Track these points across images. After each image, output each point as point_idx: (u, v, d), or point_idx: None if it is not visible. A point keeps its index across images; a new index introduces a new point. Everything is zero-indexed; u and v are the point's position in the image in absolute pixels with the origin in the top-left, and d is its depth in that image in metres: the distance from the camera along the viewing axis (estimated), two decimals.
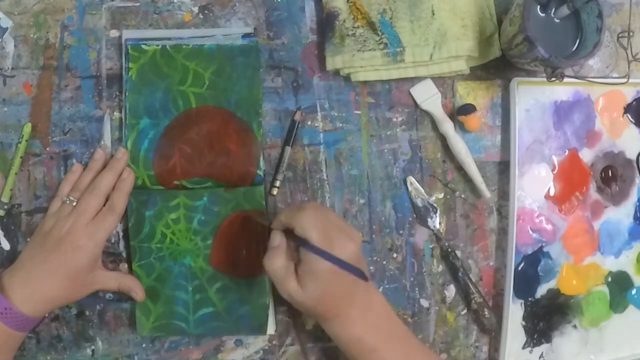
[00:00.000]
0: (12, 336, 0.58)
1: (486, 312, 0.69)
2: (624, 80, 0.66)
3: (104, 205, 0.64)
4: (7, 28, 0.66)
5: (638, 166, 0.73)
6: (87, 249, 0.61)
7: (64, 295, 0.61)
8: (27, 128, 0.66)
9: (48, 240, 0.61)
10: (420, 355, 0.61)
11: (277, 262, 0.58)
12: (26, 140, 0.66)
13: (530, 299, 0.70)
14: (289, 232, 0.59)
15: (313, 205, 0.59)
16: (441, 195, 0.70)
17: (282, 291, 0.58)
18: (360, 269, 0.58)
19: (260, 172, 0.66)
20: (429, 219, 0.70)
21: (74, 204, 0.63)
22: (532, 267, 0.70)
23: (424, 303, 0.70)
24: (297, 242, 0.58)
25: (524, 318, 0.70)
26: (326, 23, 0.68)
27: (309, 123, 0.69)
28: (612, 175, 0.72)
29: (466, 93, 0.70)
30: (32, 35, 0.67)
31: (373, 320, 0.60)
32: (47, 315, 0.65)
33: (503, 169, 0.71)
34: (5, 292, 0.58)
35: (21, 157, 0.66)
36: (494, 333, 0.70)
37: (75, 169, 0.66)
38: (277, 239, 0.59)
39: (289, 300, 0.59)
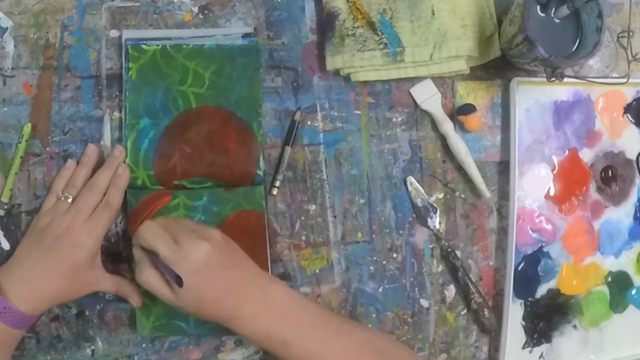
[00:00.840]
0: (10, 334, 0.58)
1: (486, 312, 0.69)
2: (624, 80, 0.66)
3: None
4: (7, 28, 0.66)
5: (638, 166, 0.73)
6: (86, 246, 0.61)
7: (62, 293, 0.61)
8: (27, 128, 0.66)
9: (45, 238, 0.61)
10: (339, 339, 0.59)
11: (143, 274, 0.57)
12: (26, 140, 0.66)
13: (530, 299, 0.70)
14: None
15: (157, 218, 0.59)
16: (441, 195, 0.70)
17: (165, 301, 0.57)
18: (177, 274, 0.55)
19: (260, 172, 0.66)
20: (429, 219, 0.70)
21: (69, 200, 0.63)
22: (532, 267, 0.70)
23: (424, 303, 0.70)
24: (151, 258, 0.57)
25: (524, 318, 0.70)
26: (326, 23, 0.68)
27: (309, 123, 0.69)
28: (612, 175, 0.72)
29: (466, 93, 0.70)
30: (32, 35, 0.67)
31: (275, 312, 0.58)
32: (44, 313, 0.65)
33: (503, 169, 0.71)
34: (2, 291, 0.58)
35: (21, 157, 0.66)
36: (494, 333, 0.70)
37: (69, 165, 0.66)
38: (137, 254, 0.59)
39: (178, 308, 0.58)
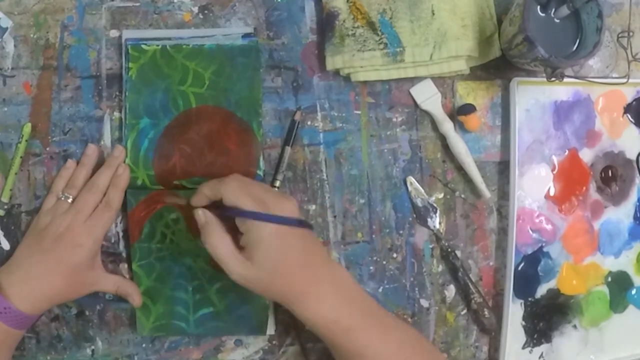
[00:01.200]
0: (10, 334, 0.58)
1: (486, 312, 0.69)
2: (624, 80, 0.66)
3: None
4: (7, 28, 0.66)
5: (638, 166, 0.73)
6: (86, 246, 0.61)
7: (63, 292, 0.61)
8: (27, 128, 0.66)
9: (45, 238, 0.61)
10: (396, 332, 0.58)
11: (212, 238, 0.54)
12: (26, 140, 0.66)
13: (530, 299, 0.70)
14: (215, 208, 0.55)
15: (236, 176, 0.56)
16: (441, 195, 0.70)
17: (232, 273, 0.54)
18: (304, 220, 0.53)
19: (260, 172, 0.66)
20: (429, 219, 0.70)
21: (70, 200, 0.63)
22: (532, 267, 0.70)
23: (424, 303, 0.70)
24: (229, 213, 0.54)
25: (524, 318, 0.70)
26: (326, 23, 0.68)
27: (309, 123, 0.69)
28: (612, 175, 0.72)
29: (466, 93, 0.70)
30: (32, 35, 0.67)
31: (344, 297, 0.56)
32: (45, 313, 0.65)
33: (503, 169, 0.71)
34: (3, 291, 0.58)
35: (21, 157, 0.66)
36: (494, 333, 0.70)
37: (68, 166, 0.66)
38: (203, 216, 0.56)
39: (244, 283, 0.54)
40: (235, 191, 0.54)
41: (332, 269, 0.58)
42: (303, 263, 0.55)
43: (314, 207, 0.69)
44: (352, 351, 0.56)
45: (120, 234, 0.67)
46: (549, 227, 0.71)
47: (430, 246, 0.70)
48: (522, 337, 0.70)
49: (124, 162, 0.65)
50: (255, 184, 0.58)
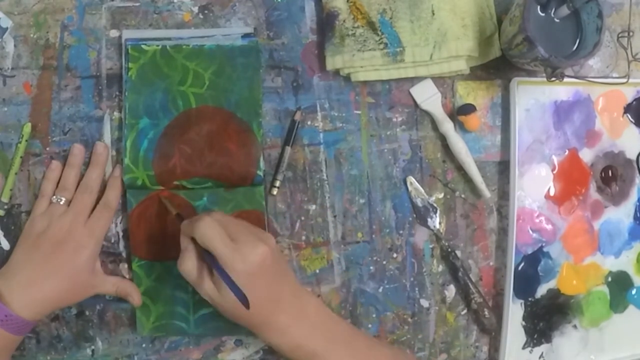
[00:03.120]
0: (11, 339, 0.58)
1: (486, 312, 0.69)
2: (624, 80, 0.66)
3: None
4: (7, 28, 0.66)
5: (638, 166, 0.73)
6: (89, 247, 0.62)
7: (64, 296, 0.61)
8: (27, 128, 0.66)
9: (45, 242, 0.61)
10: (367, 356, 0.60)
11: (187, 264, 0.56)
12: (26, 140, 0.66)
13: (530, 299, 0.70)
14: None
15: (213, 214, 0.57)
16: (441, 195, 0.70)
17: (201, 293, 0.56)
18: (245, 295, 0.53)
19: (260, 172, 0.66)
20: (429, 219, 0.70)
21: (62, 202, 0.63)
22: (532, 267, 0.70)
23: (424, 303, 0.70)
24: (202, 251, 0.56)
25: (524, 318, 0.70)
26: (326, 23, 0.68)
27: (309, 123, 0.69)
28: (612, 175, 0.72)
29: (466, 93, 0.70)
30: (32, 35, 0.67)
31: (308, 324, 0.58)
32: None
33: (503, 169, 0.71)
34: (3, 299, 0.58)
35: (21, 157, 0.66)
36: (494, 333, 0.70)
37: (54, 167, 0.65)
38: (184, 243, 0.57)
39: (213, 305, 0.57)
40: (207, 233, 0.55)
41: (298, 298, 0.59)
42: (267, 298, 0.56)
43: (314, 207, 0.69)
44: None
45: (120, 234, 0.67)
46: (549, 227, 0.71)
47: (431, 246, 0.70)
48: (522, 337, 0.70)
49: (124, 162, 0.65)
50: (233, 222, 0.57)
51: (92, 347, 0.67)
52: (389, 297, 0.69)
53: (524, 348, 0.71)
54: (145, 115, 0.66)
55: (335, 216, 0.69)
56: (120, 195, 0.66)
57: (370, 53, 0.66)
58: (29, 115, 0.67)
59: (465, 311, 0.71)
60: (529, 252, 0.70)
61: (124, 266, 0.67)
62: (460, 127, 0.70)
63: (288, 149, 0.68)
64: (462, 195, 0.71)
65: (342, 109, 0.69)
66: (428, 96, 0.69)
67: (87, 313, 0.67)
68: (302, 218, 0.68)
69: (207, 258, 0.55)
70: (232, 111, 0.67)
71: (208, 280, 0.56)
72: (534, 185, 0.70)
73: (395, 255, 0.70)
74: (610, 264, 0.72)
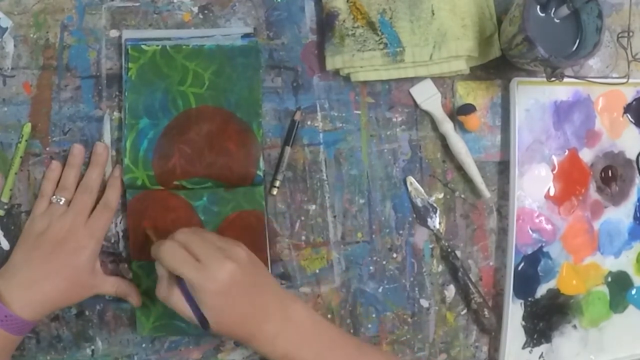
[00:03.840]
0: (10, 339, 0.58)
1: (486, 312, 0.69)
2: (624, 80, 0.66)
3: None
4: (7, 28, 0.66)
5: (638, 166, 0.73)
6: (89, 247, 0.62)
7: (64, 296, 0.61)
8: (27, 128, 0.66)
9: (45, 242, 0.61)
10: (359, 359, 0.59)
11: (162, 293, 0.56)
12: (26, 140, 0.66)
13: (530, 299, 0.70)
14: None
15: (176, 234, 0.57)
16: (441, 195, 0.70)
17: (185, 318, 0.56)
18: (206, 318, 0.54)
19: (260, 172, 0.66)
20: (428, 219, 0.70)
21: (62, 202, 0.63)
22: (532, 267, 0.70)
23: (424, 303, 0.70)
24: (178, 284, 0.56)
25: (524, 318, 0.70)
26: (326, 23, 0.68)
27: (309, 123, 0.69)
28: (612, 175, 0.72)
29: (466, 93, 0.70)
30: (32, 35, 0.67)
31: (296, 332, 0.58)
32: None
33: (503, 169, 0.71)
34: (3, 299, 0.58)
35: (21, 157, 0.66)
36: (493, 333, 0.70)
37: (54, 167, 0.65)
38: (159, 270, 0.57)
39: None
40: (169, 258, 0.55)
41: (284, 304, 0.58)
42: (249, 310, 0.56)
43: (314, 207, 0.69)
44: None
45: (120, 234, 0.67)
46: (549, 227, 0.71)
47: (430, 246, 0.70)
48: (522, 337, 0.71)
49: (123, 162, 0.65)
50: (198, 241, 0.56)
51: (92, 347, 0.67)
52: (389, 297, 0.69)
53: (523, 348, 0.71)
54: (145, 116, 0.66)
55: (335, 216, 0.69)
56: (121, 196, 0.66)
57: (370, 53, 0.66)
58: (29, 115, 0.67)
59: (465, 311, 0.71)
60: (529, 252, 0.70)
61: (124, 266, 0.67)
62: (460, 127, 0.70)
63: (288, 149, 0.68)
64: (462, 195, 0.71)
65: (342, 109, 0.69)
66: (428, 96, 0.69)
67: (87, 313, 0.67)
68: (302, 218, 0.68)
69: (177, 281, 0.56)
70: (232, 111, 0.67)
71: (187, 306, 0.55)
72: (533, 185, 0.70)
73: (395, 255, 0.70)
74: (610, 264, 0.72)
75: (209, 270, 0.54)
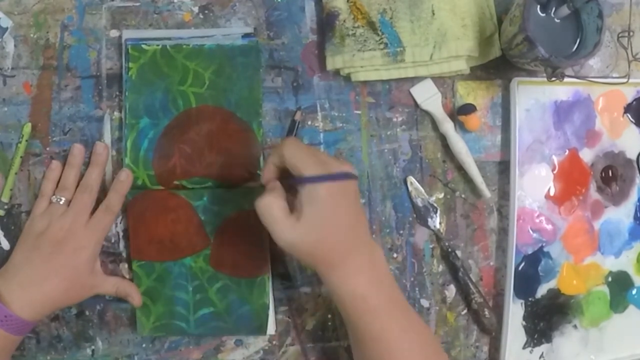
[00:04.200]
0: (10, 339, 0.58)
1: (486, 312, 0.69)
2: (624, 80, 0.66)
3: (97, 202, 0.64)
4: (7, 28, 0.66)
5: (638, 166, 0.73)
6: (89, 248, 0.61)
7: (64, 297, 0.61)
8: (27, 128, 0.66)
9: (45, 242, 0.61)
10: (417, 327, 0.57)
11: (265, 200, 0.54)
12: (26, 140, 0.66)
13: (530, 299, 0.70)
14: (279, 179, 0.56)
15: (293, 139, 0.57)
16: (441, 195, 0.70)
17: (279, 237, 0.53)
18: (353, 172, 0.55)
19: (260, 172, 0.66)
20: (429, 219, 0.70)
21: (62, 202, 0.63)
22: (533, 267, 0.70)
23: (424, 303, 0.70)
24: (294, 182, 0.54)
25: (524, 318, 0.70)
26: (326, 23, 0.68)
27: (309, 123, 0.69)
28: (612, 175, 0.72)
29: (466, 93, 0.70)
30: (32, 35, 0.67)
31: (377, 276, 0.55)
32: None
33: (503, 169, 0.71)
34: (2, 299, 0.58)
35: (21, 157, 0.66)
36: (494, 333, 0.70)
37: (54, 167, 0.65)
38: (271, 184, 0.56)
39: (288, 248, 0.54)
40: (296, 152, 0.54)
41: (370, 245, 0.57)
42: (349, 225, 0.54)
43: None
44: (370, 333, 0.55)
45: (120, 234, 0.67)
46: (549, 227, 0.71)
47: (431, 246, 0.70)
48: (522, 337, 0.70)
49: (124, 162, 0.65)
50: (311, 147, 0.58)
51: (92, 347, 0.67)
52: None
53: (524, 348, 0.71)
54: (145, 115, 0.66)
55: None
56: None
57: (371, 53, 0.66)
58: (29, 115, 0.67)
59: (465, 311, 0.71)
60: (529, 252, 0.70)
61: (124, 266, 0.67)
62: (461, 127, 0.70)
63: None
64: (462, 195, 0.71)
65: (342, 109, 0.69)
66: (428, 96, 0.69)
67: (87, 313, 0.67)
68: None
69: (294, 181, 0.54)
70: (232, 111, 0.67)
71: (289, 215, 0.53)
72: (534, 185, 0.70)
73: (395, 255, 0.70)
74: (611, 264, 0.72)
75: (331, 167, 0.54)
